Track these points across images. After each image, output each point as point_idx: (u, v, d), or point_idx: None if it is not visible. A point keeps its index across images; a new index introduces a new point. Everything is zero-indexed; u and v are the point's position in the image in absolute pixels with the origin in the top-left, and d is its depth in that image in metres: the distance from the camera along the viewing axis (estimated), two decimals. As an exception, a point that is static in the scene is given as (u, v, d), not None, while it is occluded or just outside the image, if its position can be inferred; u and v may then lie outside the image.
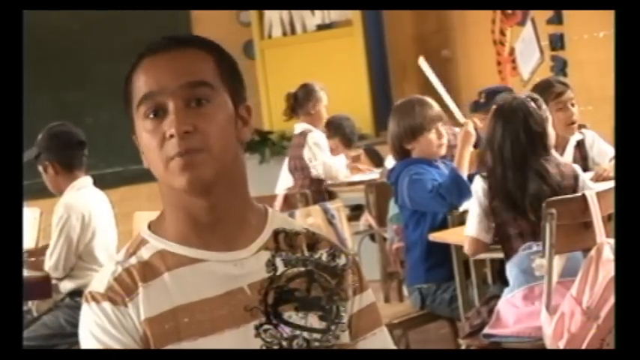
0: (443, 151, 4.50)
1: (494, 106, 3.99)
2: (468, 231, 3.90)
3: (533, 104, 3.87)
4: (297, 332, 1.68)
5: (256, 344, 1.65)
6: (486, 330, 3.74)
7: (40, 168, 4.64)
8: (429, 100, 4.53)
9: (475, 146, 4.50)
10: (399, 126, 4.42)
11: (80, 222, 4.54)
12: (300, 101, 6.65)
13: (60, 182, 4.62)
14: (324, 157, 6.57)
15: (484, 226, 3.85)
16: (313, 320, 1.69)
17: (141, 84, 1.66)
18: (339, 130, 6.92)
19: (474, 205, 3.90)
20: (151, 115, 1.64)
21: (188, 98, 1.63)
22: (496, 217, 3.84)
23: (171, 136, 1.61)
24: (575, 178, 3.87)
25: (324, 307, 1.71)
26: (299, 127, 6.70)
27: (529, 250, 3.73)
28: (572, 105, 4.68)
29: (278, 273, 1.69)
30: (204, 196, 1.65)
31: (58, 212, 4.57)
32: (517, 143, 3.80)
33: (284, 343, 1.66)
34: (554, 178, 3.79)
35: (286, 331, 1.67)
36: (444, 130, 4.48)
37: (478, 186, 3.89)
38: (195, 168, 1.61)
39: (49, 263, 4.57)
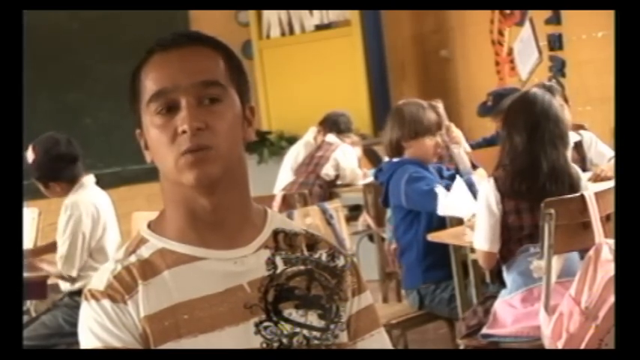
0: (435, 159, 4.52)
1: (513, 100, 3.98)
2: (481, 245, 3.79)
3: (549, 95, 3.90)
4: (297, 330, 1.68)
5: (256, 341, 1.65)
6: (484, 330, 3.74)
7: (40, 185, 4.61)
8: (437, 104, 4.57)
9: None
10: (402, 125, 4.43)
11: (90, 218, 4.52)
12: (343, 126, 7.00)
13: (65, 193, 4.61)
14: (354, 165, 6.90)
15: (496, 237, 3.76)
16: (313, 318, 1.70)
17: (152, 80, 1.66)
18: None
19: (482, 216, 3.78)
20: (162, 111, 1.64)
21: (200, 96, 1.64)
22: (504, 217, 3.76)
23: (184, 131, 1.62)
24: (578, 179, 3.84)
25: (324, 306, 1.72)
26: (331, 138, 6.97)
27: (526, 253, 3.72)
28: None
29: (278, 271, 1.70)
30: (208, 195, 1.65)
31: (65, 212, 4.55)
32: (536, 116, 3.75)
33: (284, 341, 1.67)
34: (566, 152, 3.77)
35: (286, 328, 1.67)
36: (441, 137, 4.53)
37: (488, 194, 3.76)
38: (204, 165, 1.62)
39: (63, 264, 4.52)
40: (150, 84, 1.66)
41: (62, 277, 4.59)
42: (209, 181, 1.63)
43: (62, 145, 4.62)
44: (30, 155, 4.58)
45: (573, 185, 3.73)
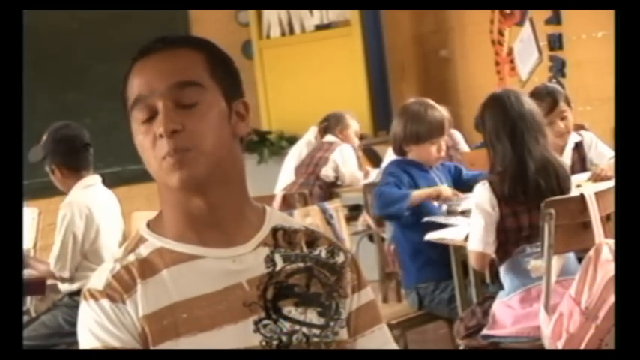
0: (437, 163, 4.53)
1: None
2: (474, 246, 3.78)
3: (513, 91, 3.94)
4: (297, 327, 1.68)
5: (255, 339, 1.65)
6: (485, 331, 3.74)
7: (48, 169, 4.63)
8: (439, 106, 4.55)
9: None
10: (405, 127, 4.42)
11: (84, 220, 4.52)
12: (330, 126, 7.00)
13: (69, 184, 4.61)
14: (353, 169, 6.89)
15: (490, 239, 3.75)
16: (312, 316, 1.70)
17: (133, 87, 1.67)
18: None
19: (477, 218, 3.78)
20: (144, 118, 1.65)
21: (177, 98, 1.64)
22: (502, 221, 3.77)
23: (161, 135, 1.62)
24: (562, 164, 3.85)
25: (324, 303, 1.71)
26: (331, 138, 6.98)
27: (523, 253, 3.72)
28: (563, 118, 4.63)
29: (277, 269, 1.70)
30: (200, 194, 1.66)
31: (61, 211, 4.56)
32: (510, 120, 3.77)
33: (283, 338, 1.67)
34: (546, 142, 3.78)
35: (285, 326, 1.67)
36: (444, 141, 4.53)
37: (484, 197, 3.77)
38: (186, 166, 1.62)
39: (55, 264, 4.53)
40: (131, 91, 1.67)
41: (55, 277, 4.59)
42: (194, 183, 1.63)
43: (72, 130, 4.66)
44: (43, 139, 4.63)
45: (558, 174, 3.75)
